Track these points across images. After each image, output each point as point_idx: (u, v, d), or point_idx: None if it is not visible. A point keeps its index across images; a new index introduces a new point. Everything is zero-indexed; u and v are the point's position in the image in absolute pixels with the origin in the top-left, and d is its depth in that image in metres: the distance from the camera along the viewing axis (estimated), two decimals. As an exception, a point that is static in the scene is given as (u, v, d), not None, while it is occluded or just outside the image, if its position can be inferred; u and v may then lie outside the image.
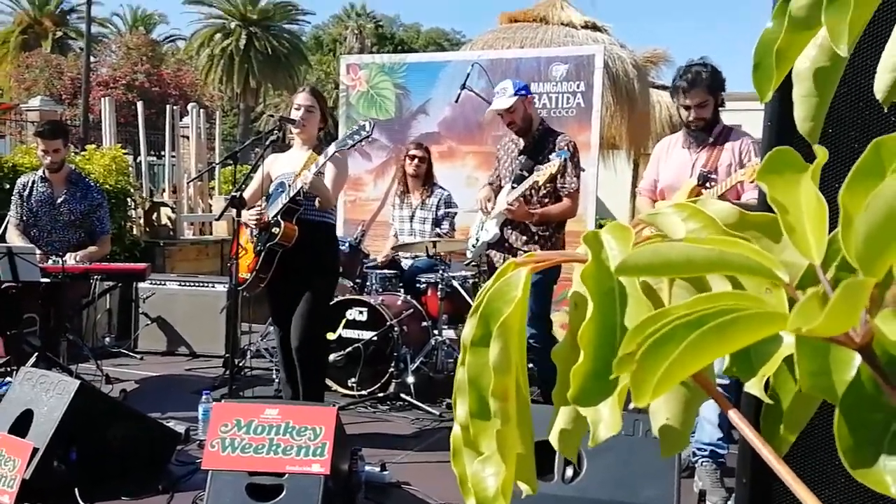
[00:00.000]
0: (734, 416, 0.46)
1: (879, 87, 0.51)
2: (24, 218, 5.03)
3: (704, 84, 3.54)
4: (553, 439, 0.48)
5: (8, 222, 5.04)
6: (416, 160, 5.58)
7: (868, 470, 0.41)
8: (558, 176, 4.12)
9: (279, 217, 3.92)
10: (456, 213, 5.56)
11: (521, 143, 4.36)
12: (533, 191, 4.18)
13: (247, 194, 4.15)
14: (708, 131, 3.62)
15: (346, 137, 3.82)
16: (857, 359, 0.40)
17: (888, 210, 0.32)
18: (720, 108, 3.66)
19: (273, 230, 3.92)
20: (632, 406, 0.38)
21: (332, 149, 3.82)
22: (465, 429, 0.48)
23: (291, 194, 3.86)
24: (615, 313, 0.43)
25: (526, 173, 4.22)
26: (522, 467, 0.46)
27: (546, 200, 4.24)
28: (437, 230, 5.46)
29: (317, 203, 3.96)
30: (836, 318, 0.33)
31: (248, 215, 4.03)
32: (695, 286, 0.47)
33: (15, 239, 4.90)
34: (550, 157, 4.12)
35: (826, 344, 0.41)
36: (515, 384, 0.46)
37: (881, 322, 0.36)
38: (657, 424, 0.47)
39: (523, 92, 4.27)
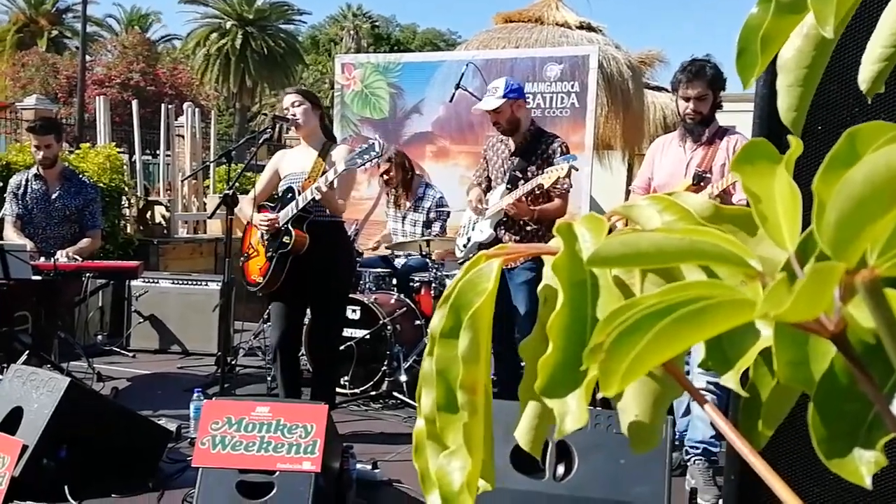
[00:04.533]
0: (709, 409, 0.45)
1: (863, 78, 0.50)
2: (20, 214, 5.03)
3: (707, 77, 3.54)
4: (519, 435, 0.47)
5: (5, 220, 5.03)
6: (389, 175, 5.52)
7: (842, 460, 0.40)
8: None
9: (289, 225, 3.94)
10: (449, 214, 5.53)
11: (512, 144, 4.34)
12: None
13: (257, 190, 4.15)
14: (704, 126, 3.61)
15: (356, 156, 3.84)
16: (835, 349, 0.40)
17: (859, 194, 0.31)
18: (717, 110, 3.66)
19: (284, 239, 3.94)
20: (599, 395, 0.37)
21: (341, 166, 3.84)
22: (429, 422, 0.47)
23: (301, 205, 3.90)
24: (586, 305, 0.42)
25: (519, 174, 4.21)
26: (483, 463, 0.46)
27: (540, 200, 4.24)
28: (428, 232, 5.44)
29: (327, 210, 3.99)
30: (804, 303, 0.33)
31: (259, 219, 4.03)
32: (667, 280, 0.47)
33: (13, 237, 4.90)
34: (555, 160, 4.10)
35: (805, 334, 0.40)
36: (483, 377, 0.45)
37: (854, 309, 0.35)
38: (626, 421, 0.46)
39: (514, 94, 4.23)
